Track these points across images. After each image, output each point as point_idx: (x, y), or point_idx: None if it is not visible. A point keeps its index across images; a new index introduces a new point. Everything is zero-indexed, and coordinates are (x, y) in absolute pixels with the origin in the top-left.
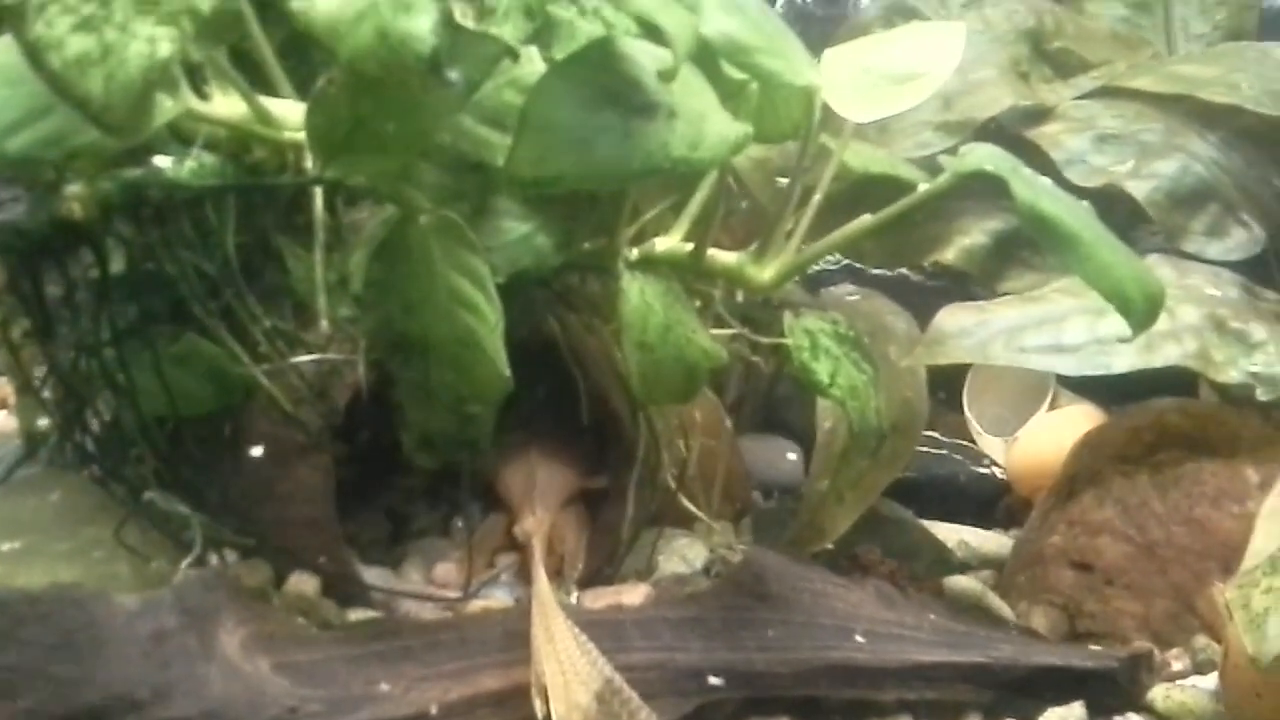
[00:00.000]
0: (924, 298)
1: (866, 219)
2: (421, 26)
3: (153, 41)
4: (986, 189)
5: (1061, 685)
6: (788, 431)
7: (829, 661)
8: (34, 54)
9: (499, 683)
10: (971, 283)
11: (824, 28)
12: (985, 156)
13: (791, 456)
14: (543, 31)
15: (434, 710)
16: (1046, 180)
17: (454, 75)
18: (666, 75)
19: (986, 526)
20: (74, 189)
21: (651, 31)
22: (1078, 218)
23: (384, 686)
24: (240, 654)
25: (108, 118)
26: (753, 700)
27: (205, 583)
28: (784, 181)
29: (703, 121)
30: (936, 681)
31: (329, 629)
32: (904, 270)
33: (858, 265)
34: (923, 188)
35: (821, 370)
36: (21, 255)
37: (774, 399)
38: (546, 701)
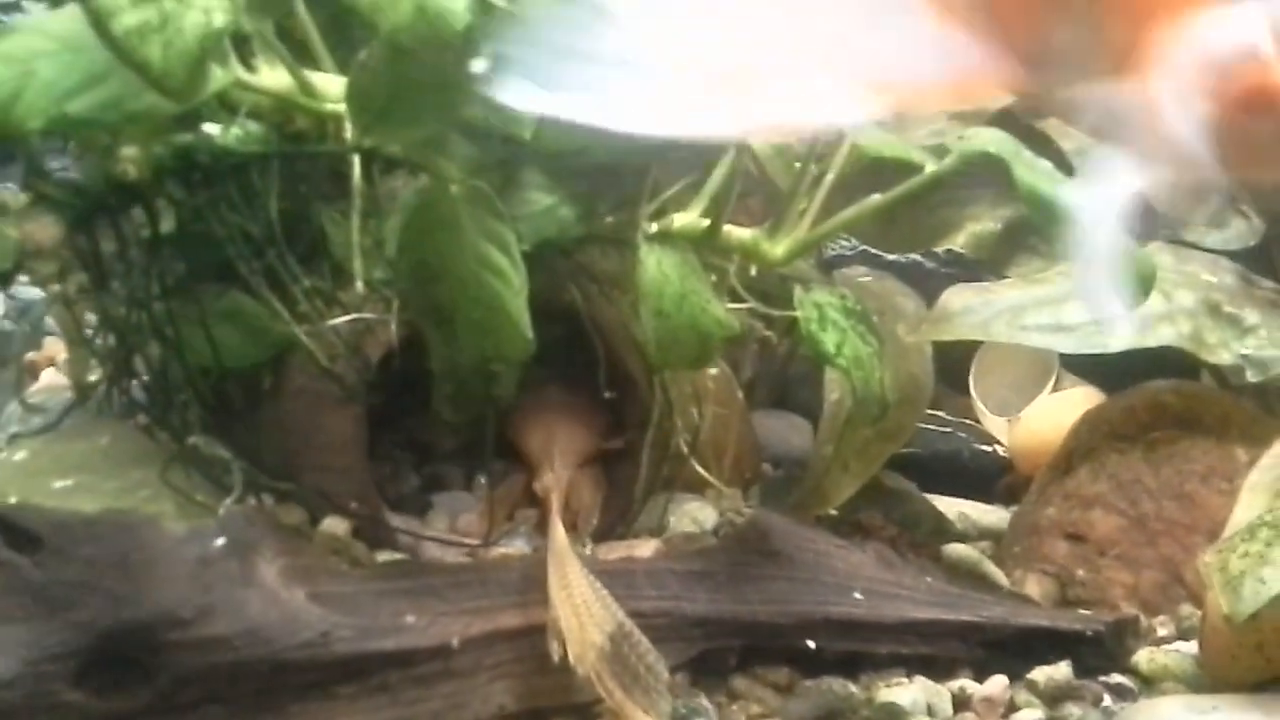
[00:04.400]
0: (937, 282)
1: (875, 198)
2: (457, 2)
3: (208, 12)
4: (1000, 178)
5: (1049, 646)
6: (801, 409)
7: (828, 615)
8: (97, 21)
9: (517, 621)
10: (982, 269)
11: None
12: (989, 140)
13: (802, 432)
14: None
15: (455, 643)
16: (1047, 164)
17: (486, 50)
18: None
19: (988, 502)
20: (129, 151)
21: None
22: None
23: (409, 619)
24: (278, 582)
25: (166, 83)
26: (755, 649)
27: (247, 517)
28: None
29: None
30: (930, 638)
31: (359, 567)
32: (917, 256)
33: (873, 251)
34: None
35: (828, 340)
36: (79, 213)
37: (788, 378)
38: (562, 643)
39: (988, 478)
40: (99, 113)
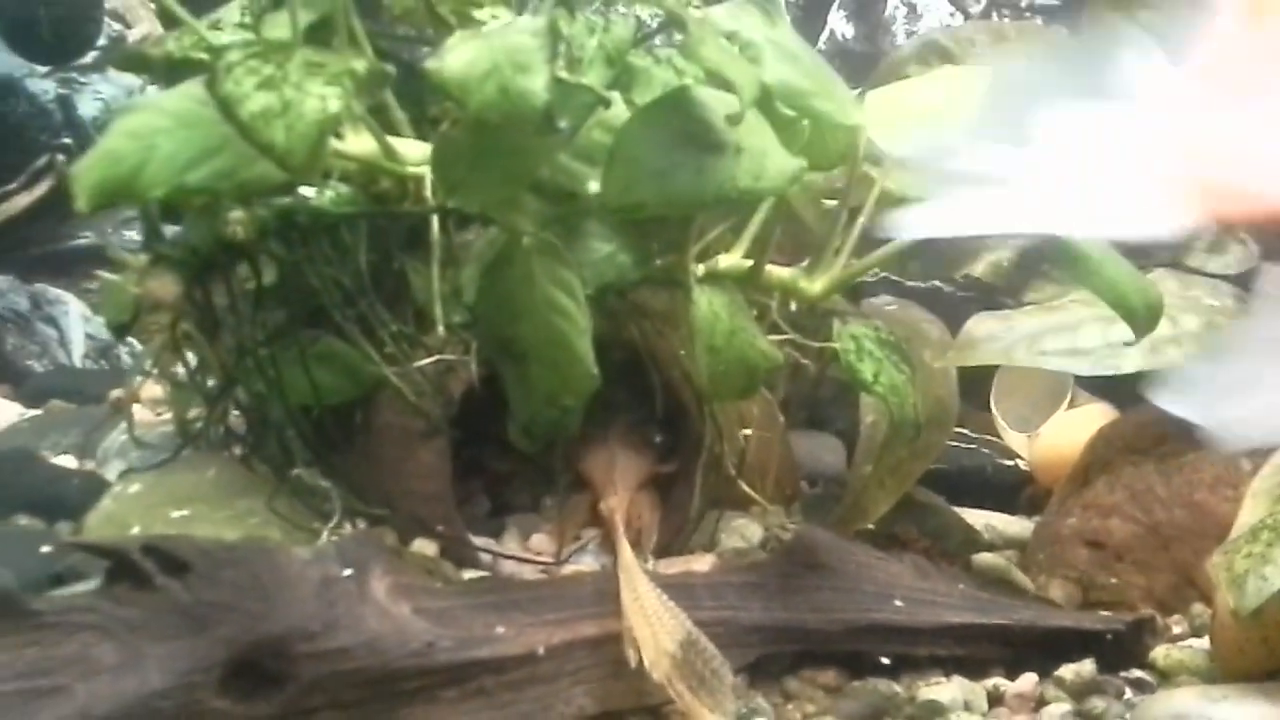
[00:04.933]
0: (955, 307)
1: (904, 240)
2: (537, 84)
3: (324, 99)
4: None
5: (1074, 645)
6: (831, 428)
7: (872, 621)
8: (225, 107)
9: (593, 630)
10: (998, 293)
11: (863, 62)
12: None
13: (835, 450)
14: (622, 77)
15: (541, 651)
16: None
17: (563, 124)
18: (734, 119)
19: (1011, 513)
20: (237, 214)
21: (721, 82)
22: (1087, 238)
23: (500, 630)
24: (387, 598)
25: (288, 161)
26: (805, 654)
27: (359, 540)
28: (829, 203)
29: (764, 157)
30: (965, 640)
31: (450, 584)
32: (937, 282)
33: (894, 278)
34: None
35: (866, 370)
36: (194, 270)
37: (818, 399)
38: (637, 650)
39: (1010, 490)
40: (214, 182)
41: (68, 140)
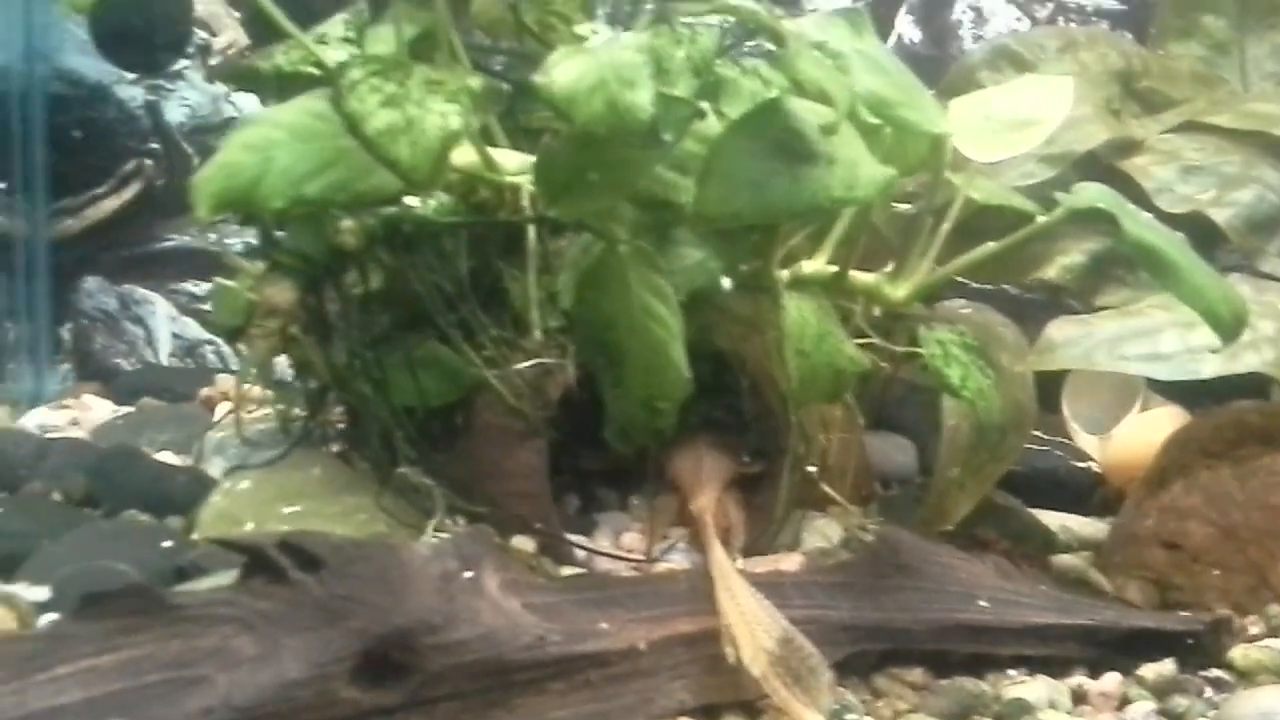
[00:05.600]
0: (1021, 309)
1: (991, 246)
2: (643, 98)
3: (445, 115)
4: (1106, 229)
5: (1155, 645)
6: (900, 430)
7: (958, 621)
8: (351, 124)
9: (690, 627)
10: (1065, 296)
11: (930, 67)
12: (1096, 195)
13: (905, 451)
14: (711, 87)
15: (642, 646)
16: (1148, 215)
17: (667, 137)
18: (829, 129)
19: (1084, 514)
20: (347, 224)
21: (819, 94)
22: (1175, 247)
23: (603, 625)
24: (499, 593)
25: (412, 176)
26: (890, 652)
27: (473, 537)
28: (901, 207)
29: (856, 167)
30: (1049, 640)
31: (551, 580)
32: (1003, 285)
33: (960, 279)
34: (1040, 219)
35: (954, 374)
36: (310, 277)
37: (886, 400)
38: (736, 646)
39: (1082, 492)
40: (331, 194)
41: (155, 145)
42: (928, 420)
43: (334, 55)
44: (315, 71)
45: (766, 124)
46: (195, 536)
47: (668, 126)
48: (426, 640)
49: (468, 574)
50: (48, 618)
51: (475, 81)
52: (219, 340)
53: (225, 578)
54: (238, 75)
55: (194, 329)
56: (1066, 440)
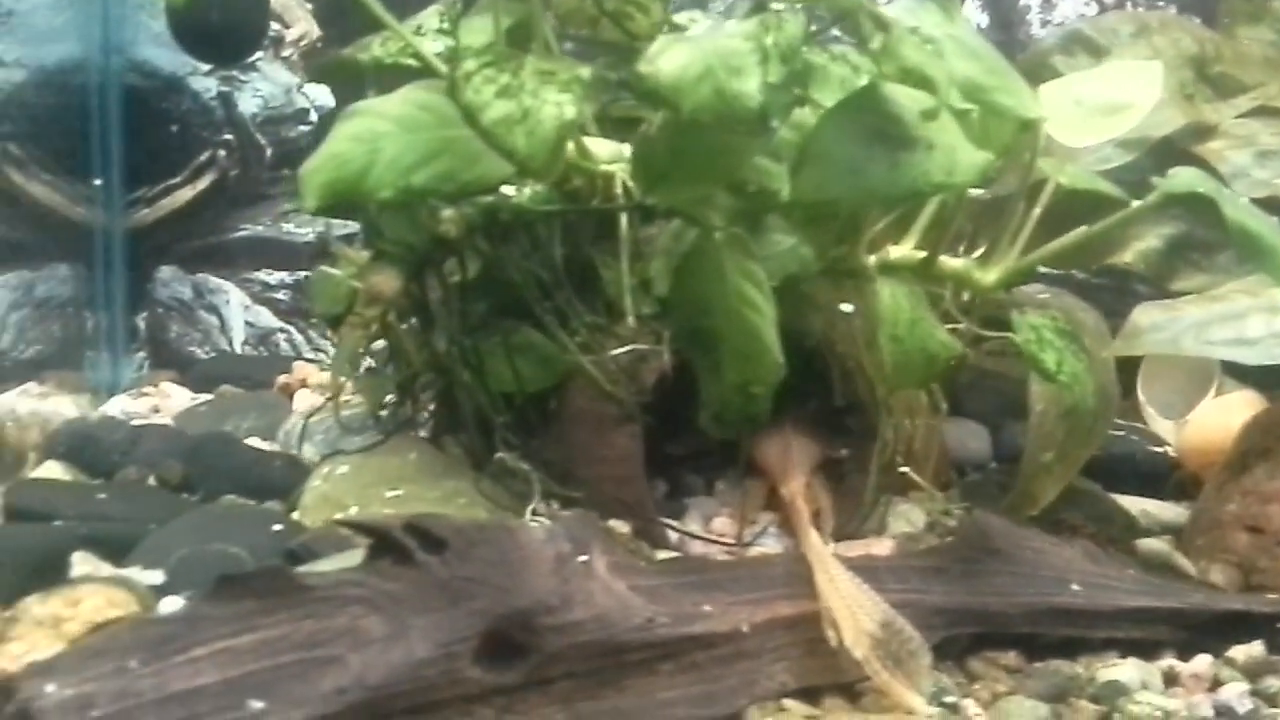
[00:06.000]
0: (1089, 295)
1: (1082, 230)
2: (751, 86)
3: (560, 105)
4: (1205, 215)
5: (1244, 628)
6: (970, 415)
7: (1051, 605)
8: (468, 114)
9: (789, 610)
10: (1134, 281)
11: (998, 51)
12: (1194, 179)
13: (979, 437)
14: (800, 74)
15: (745, 628)
16: (1245, 199)
17: (774, 124)
18: (930, 115)
19: (1160, 499)
20: (448, 213)
21: (921, 80)
22: (1276, 232)
23: (706, 608)
24: (608, 576)
25: (529, 164)
26: (985, 635)
27: (581, 520)
28: (974, 192)
29: (955, 152)
30: (1141, 623)
31: (651, 563)
32: (1071, 271)
33: None
34: (1135, 204)
35: (1049, 359)
36: (413, 265)
37: (958, 386)
38: (837, 629)
39: (1159, 476)
40: (438, 184)
41: (228, 136)
42: (999, 406)
43: (431, 47)
44: (413, 63)
45: (864, 110)
46: (297, 519)
47: (774, 113)
48: (544, 621)
49: (581, 557)
50: (167, 600)
51: (585, 71)
52: (291, 328)
53: (340, 560)
54: (334, 68)
55: (266, 317)
56: (1141, 425)
